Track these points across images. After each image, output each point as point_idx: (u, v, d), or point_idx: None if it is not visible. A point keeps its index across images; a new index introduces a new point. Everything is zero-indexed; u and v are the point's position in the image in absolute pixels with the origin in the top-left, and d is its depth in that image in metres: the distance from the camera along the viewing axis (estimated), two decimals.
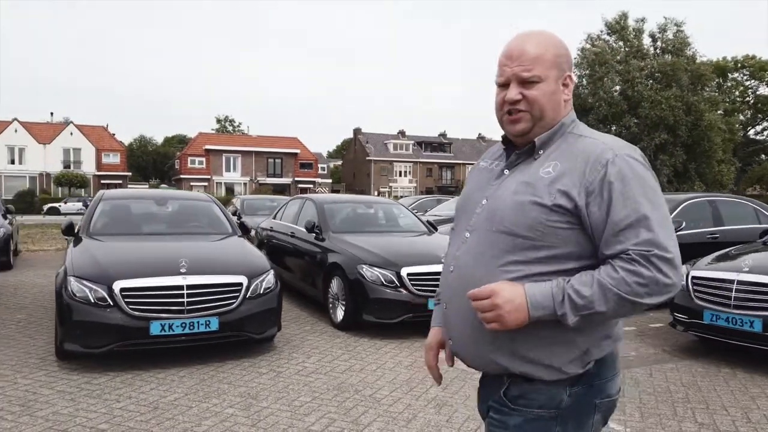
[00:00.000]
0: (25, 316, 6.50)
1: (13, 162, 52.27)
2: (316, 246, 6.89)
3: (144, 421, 3.61)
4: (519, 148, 1.49)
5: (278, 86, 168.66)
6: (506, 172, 1.49)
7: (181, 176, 56.30)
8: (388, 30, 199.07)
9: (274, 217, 9.16)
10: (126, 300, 4.49)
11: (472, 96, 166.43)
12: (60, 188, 51.66)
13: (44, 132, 54.22)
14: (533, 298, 1.34)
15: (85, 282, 4.55)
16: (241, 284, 4.90)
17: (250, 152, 58.84)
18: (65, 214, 39.91)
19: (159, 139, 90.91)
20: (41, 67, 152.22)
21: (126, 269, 4.70)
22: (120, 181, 53.98)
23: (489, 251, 1.43)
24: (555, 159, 1.42)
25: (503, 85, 1.46)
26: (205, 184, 55.98)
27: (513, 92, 1.43)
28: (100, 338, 4.46)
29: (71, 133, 54.31)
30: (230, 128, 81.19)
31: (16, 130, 52.52)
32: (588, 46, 36.88)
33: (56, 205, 43.35)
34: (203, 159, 57.37)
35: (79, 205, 42.27)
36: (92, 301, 4.48)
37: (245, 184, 58.27)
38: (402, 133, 67.41)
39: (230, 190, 55.76)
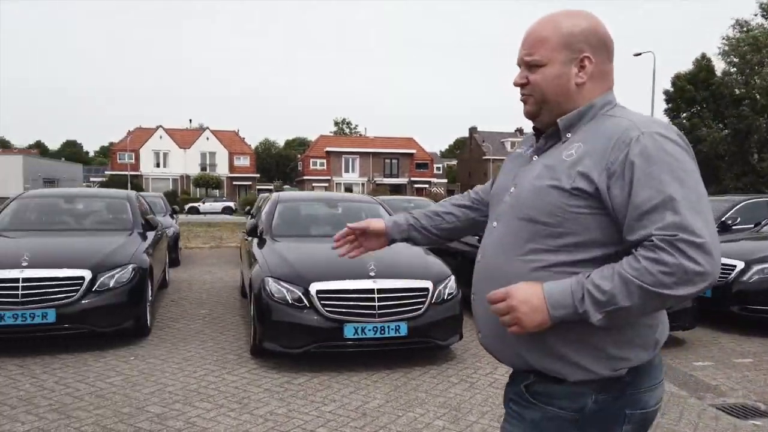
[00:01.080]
0: (208, 311, 6.90)
1: (158, 165, 57.64)
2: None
3: (358, 428, 3.57)
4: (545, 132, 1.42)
5: (393, 87, 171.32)
6: (535, 157, 1.43)
7: (304, 177, 58.86)
8: (506, 23, 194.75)
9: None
10: (321, 302, 4.53)
11: None
12: (198, 189, 56.09)
13: (184, 137, 59.23)
14: (551, 297, 1.24)
15: (282, 283, 4.67)
16: (427, 289, 4.80)
17: (367, 153, 60.20)
18: (204, 213, 43.23)
19: (281, 142, 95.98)
20: (181, 80, 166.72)
21: (319, 272, 4.76)
22: (250, 183, 57.58)
23: (512, 240, 1.38)
24: (579, 141, 1.33)
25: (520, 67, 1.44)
26: (326, 184, 58.09)
27: (517, 76, 1.42)
28: (298, 339, 4.55)
29: (207, 138, 58.84)
30: (347, 130, 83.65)
31: (161, 137, 57.88)
32: (736, 33, 33.34)
33: (195, 204, 47.07)
34: (324, 161, 59.57)
35: (218, 205, 45.62)
36: (289, 302, 4.58)
37: (363, 184, 59.65)
38: (520, 131, 65.55)
39: (348, 190, 57.33)
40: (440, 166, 68.69)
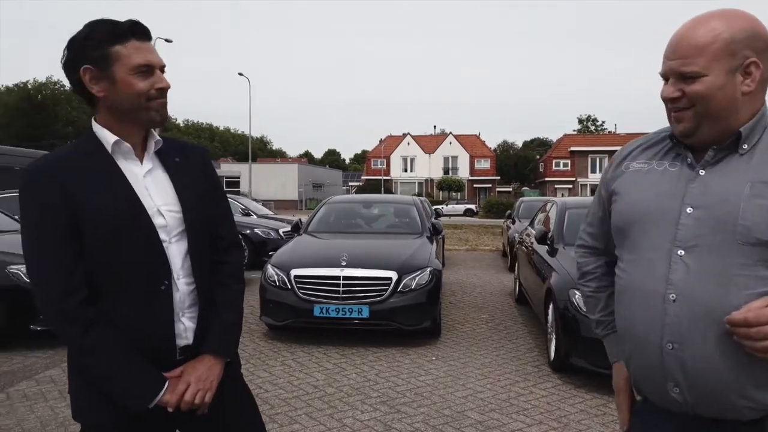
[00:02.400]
0: (488, 316, 6.93)
1: (406, 170, 61.78)
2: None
3: None
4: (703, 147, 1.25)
5: (639, 78, 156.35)
6: (702, 172, 1.23)
7: (545, 179, 57.07)
8: None
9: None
10: None
11: None
12: (441, 192, 58.57)
13: (429, 143, 62.45)
14: None
15: None
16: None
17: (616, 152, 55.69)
18: (447, 215, 44.87)
19: (519, 143, 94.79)
20: (426, 90, 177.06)
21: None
22: (490, 185, 58.01)
23: (729, 270, 1.17)
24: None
25: (665, 78, 1.26)
26: (570, 186, 55.44)
27: (669, 89, 1.24)
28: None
29: (450, 143, 61.10)
30: (592, 128, 78.71)
31: (408, 143, 61.96)
32: None
33: (439, 207, 49.15)
34: (568, 161, 56.94)
35: (460, 207, 47.00)
36: None
37: None
38: None
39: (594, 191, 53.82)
40: None
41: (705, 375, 1.20)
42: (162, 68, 1.45)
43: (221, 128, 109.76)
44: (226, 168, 61.05)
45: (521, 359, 5.14)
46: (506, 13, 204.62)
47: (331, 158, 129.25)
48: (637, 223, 1.31)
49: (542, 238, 5.90)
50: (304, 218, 7.77)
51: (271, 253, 10.89)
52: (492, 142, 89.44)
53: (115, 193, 1.40)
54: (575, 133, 70.06)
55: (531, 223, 8.02)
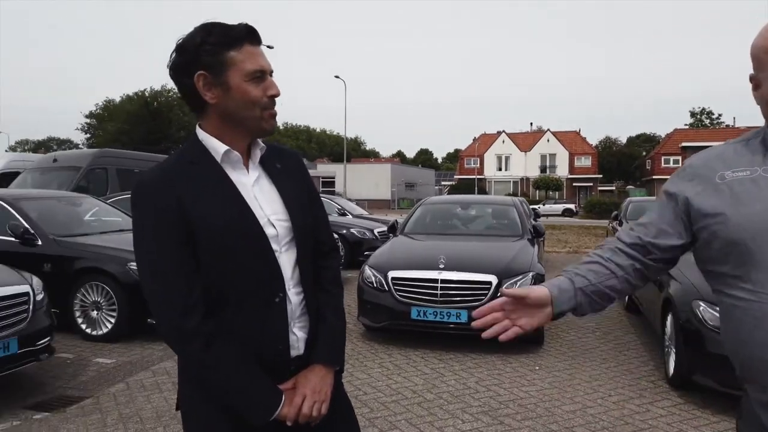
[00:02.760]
0: (595, 324, 6.50)
1: (500, 169, 60.49)
2: None
3: None
4: None
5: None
6: None
7: (653, 177, 53.59)
8: None
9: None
10: None
11: None
12: (537, 191, 56.72)
13: (525, 140, 60.71)
14: None
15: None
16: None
17: None
18: (546, 215, 43.36)
19: (623, 139, 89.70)
20: (521, 86, 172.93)
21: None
22: (591, 183, 55.39)
23: None
24: None
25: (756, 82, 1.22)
26: None
27: None
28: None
29: (548, 140, 59.04)
30: (707, 121, 72.90)
31: (503, 141, 60.62)
32: None
33: (535, 207, 47.59)
34: (678, 158, 53.07)
35: (558, 207, 45.29)
36: None
37: None
38: None
39: None
40: None
41: None
42: (271, 73, 1.41)
43: (317, 130, 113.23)
44: (322, 168, 62.88)
45: (634, 373, 4.76)
46: (604, 4, 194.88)
47: (424, 158, 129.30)
48: (762, 237, 1.15)
49: None
50: (400, 219, 7.74)
51: (367, 253, 11.04)
52: (593, 139, 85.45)
53: (229, 205, 1.37)
54: (687, 127, 65.14)
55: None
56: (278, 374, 1.43)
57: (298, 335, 1.47)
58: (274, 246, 1.41)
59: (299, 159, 1.60)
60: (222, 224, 1.34)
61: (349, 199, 20.93)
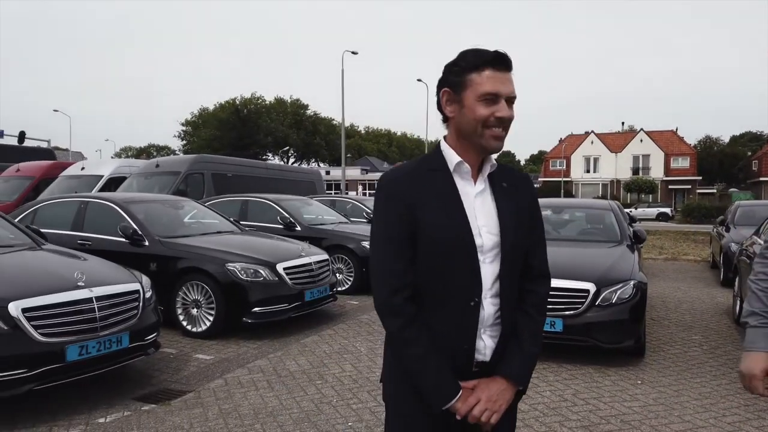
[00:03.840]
0: (701, 338, 6.05)
1: (588, 171, 58.08)
2: None
3: None
4: None
5: None
6: None
7: (760, 179, 49.43)
8: None
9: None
10: None
11: None
12: (629, 194, 53.93)
13: (615, 141, 57.94)
14: None
15: None
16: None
17: None
18: (637, 220, 41.13)
19: (725, 138, 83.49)
20: (609, 84, 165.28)
21: None
22: (689, 186, 51.97)
23: None
24: None
25: None
26: None
27: None
28: None
29: (641, 140, 56.04)
30: None
31: (591, 142, 58.19)
32: None
33: (627, 210, 45.27)
34: None
35: (652, 210, 42.87)
36: None
37: None
38: None
39: None
40: None
41: None
42: (510, 99, 1.52)
43: (398, 133, 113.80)
44: None
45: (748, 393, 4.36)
46: None
47: (506, 160, 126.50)
48: None
49: None
50: None
51: None
52: (692, 138, 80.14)
53: (451, 212, 1.53)
54: None
55: (758, 232, 6.85)
56: (459, 373, 1.54)
57: (486, 342, 1.57)
58: (480, 256, 1.53)
59: (529, 182, 1.71)
60: (441, 227, 1.51)
61: None
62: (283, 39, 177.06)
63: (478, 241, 1.52)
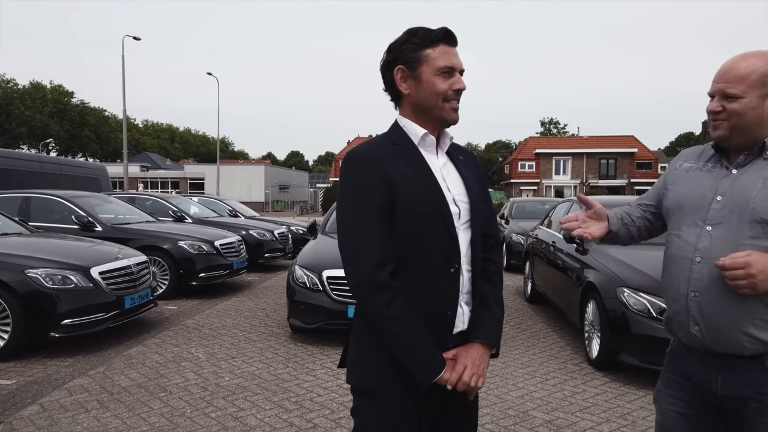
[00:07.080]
0: (505, 316, 6.93)
1: None
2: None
3: None
4: (737, 153, 1.66)
5: (608, 84, 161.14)
6: (734, 171, 1.64)
7: (511, 181, 58.00)
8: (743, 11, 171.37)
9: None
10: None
11: None
12: None
13: None
14: None
15: (641, 295, 4.40)
16: None
17: (580, 154, 56.97)
18: None
19: (482, 146, 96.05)
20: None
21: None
22: None
23: (739, 240, 1.56)
24: None
25: (712, 96, 1.65)
26: (534, 188, 56.45)
27: (714, 104, 1.63)
28: (656, 354, 4.23)
29: None
30: (554, 131, 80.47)
31: None
32: None
33: None
34: (533, 163, 58.00)
35: None
36: (651, 313, 4.29)
37: (575, 186, 56.68)
38: None
39: (559, 193, 54.93)
40: (665, 165, 62.23)
41: (715, 316, 1.58)
42: (461, 72, 1.59)
43: (181, 129, 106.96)
44: (190, 170, 59.67)
45: (558, 358, 5.15)
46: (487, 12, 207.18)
47: (295, 160, 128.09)
48: (679, 208, 1.72)
49: (570, 238, 5.93)
50: (319, 220, 7.62)
51: (267, 255, 10.71)
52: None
53: (424, 181, 1.55)
54: (539, 135, 71.44)
55: (543, 223, 8.07)
56: (439, 344, 1.54)
57: (464, 309, 1.61)
58: (456, 223, 1.57)
59: (474, 157, 1.78)
60: (421, 197, 1.52)
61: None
62: (44, 16, 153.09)
63: (453, 209, 1.56)
